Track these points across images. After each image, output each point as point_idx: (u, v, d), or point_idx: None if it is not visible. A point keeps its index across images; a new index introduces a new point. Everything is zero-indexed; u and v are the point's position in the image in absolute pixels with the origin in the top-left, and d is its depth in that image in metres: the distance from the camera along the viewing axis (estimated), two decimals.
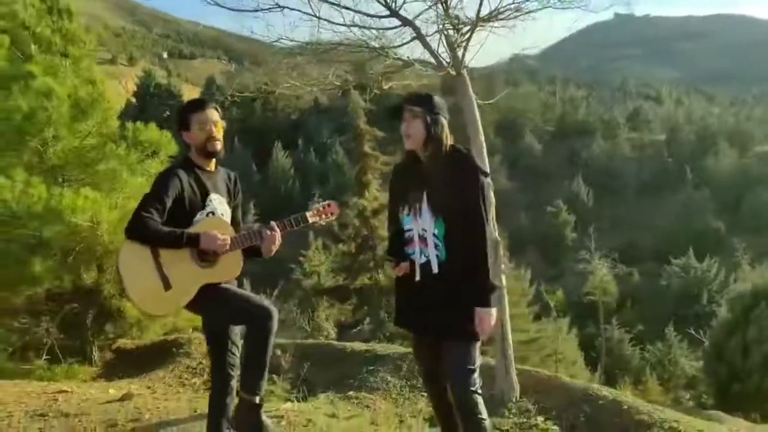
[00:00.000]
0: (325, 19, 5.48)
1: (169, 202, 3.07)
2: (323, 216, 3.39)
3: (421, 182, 3.00)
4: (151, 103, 65.50)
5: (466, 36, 5.65)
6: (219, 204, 3.28)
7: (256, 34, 5.54)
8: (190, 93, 73.00)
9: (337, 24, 5.61)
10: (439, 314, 2.93)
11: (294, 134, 66.30)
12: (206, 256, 3.13)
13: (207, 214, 3.21)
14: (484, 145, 5.76)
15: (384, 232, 14.21)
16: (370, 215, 15.56)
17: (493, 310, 2.92)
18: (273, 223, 3.26)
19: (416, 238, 3.02)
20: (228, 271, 3.19)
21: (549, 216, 54.39)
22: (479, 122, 5.74)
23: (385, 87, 6.37)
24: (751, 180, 60.78)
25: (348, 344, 7.61)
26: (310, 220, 3.35)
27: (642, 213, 59.45)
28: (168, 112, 66.10)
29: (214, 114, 3.28)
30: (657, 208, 59.03)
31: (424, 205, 2.96)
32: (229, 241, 3.11)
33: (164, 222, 3.06)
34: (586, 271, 31.11)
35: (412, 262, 3.05)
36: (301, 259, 25.24)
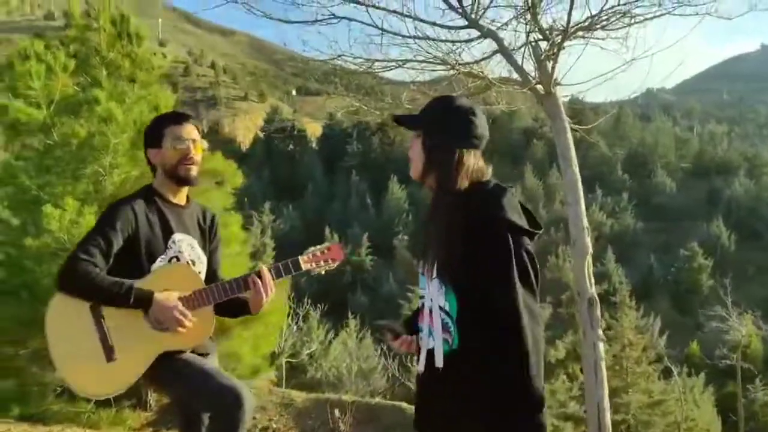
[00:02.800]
0: (390, 32, 4.72)
1: (117, 242, 2.41)
2: (321, 262, 2.62)
3: (432, 230, 2.03)
4: (277, 136, 68.39)
5: (557, 46, 4.65)
6: (187, 247, 2.59)
7: (311, 50, 4.91)
8: (312, 128, 75.62)
9: (404, 37, 4.82)
10: (449, 426, 1.96)
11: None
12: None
13: (170, 260, 2.52)
14: (579, 182, 4.70)
15: None
16: None
17: None
18: (263, 268, 2.53)
19: (426, 311, 2.02)
20: (193, 335, 2.44)
21: (683, 260, 49.83)
22: (573, 152, 4.70)
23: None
24: None
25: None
26: (304, 268, 2.59)
27: None
28: (292, 146, 68.83)
29: (193, 131, 2.63)
30: None
31: (435, 266, 1.98)
32: (186, 321, 2.36)
33: (111, 269, 2.39)
34: (724, 325, 27.87)
35: (408, 342, 2.17)
36: (410, 294, 24.51)
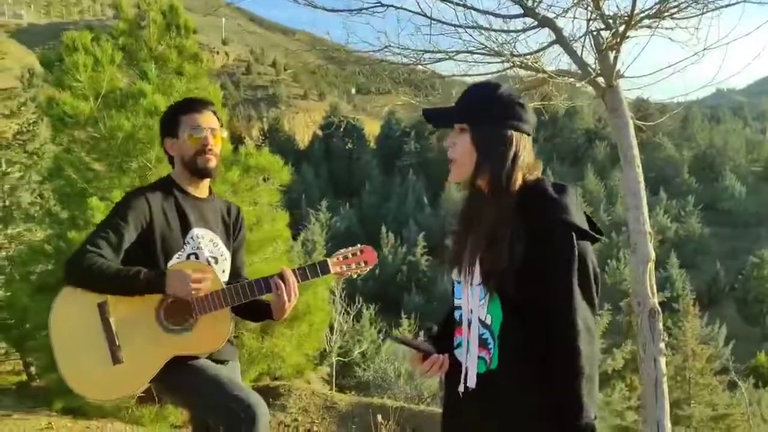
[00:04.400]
0: (438, 20, 4.44)
1: (129, 236, 2.24)
2: (352, 266, 2.41)
3: (475, 234, 1.75)
4: (335, 135, 68.90)
5: (620, 36, 4.28)
6: (208, 243, 2.40)
7: (358, 42, 4.69)
8: (370, 126, 75.82)
9: (453, 26, 4.54)
10: None
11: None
12: (177, 316, 2.24)
13: (188, 257, 2.34)
14: (641, 184, 4.31)
15: None
16: None
17: None
18: (286, 270, 2.31)
19: (465, 323, 1.75)
20: (208, 339, 2.27)
21: (751, 267, 47.39)
22: (635, 150, 4.32)
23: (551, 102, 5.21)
24: None
25: None
26: (333, 270, 2.38)
27: None
28: (350, 144, 69.20)
29: (212, 119, 2.43)
30: None
31: (476, 272, 1.70)
32: (206, 285, 2.19)
33: (124, 265, 2.22)
34: None
35: (457, 361, 1.80)
36: None
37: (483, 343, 1.70)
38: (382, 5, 4.48)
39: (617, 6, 4.36)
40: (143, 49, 6.47)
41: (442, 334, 1.90)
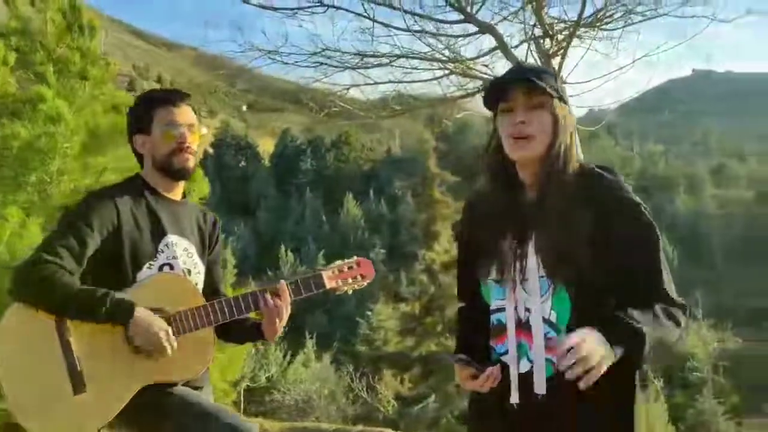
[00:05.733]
0: (381, 23, 4.28)
1: (93, 244, 1.90)
2: (348, 280, 2.17)
3: (524, 224, 1.64)
4: (227, 153, 67.29)
5: (564, 43, 4.30)
6: (183, 253, 2.08)
7: (290, 46, 4.43)
8: (265, 143, 74.68)
9: (396, 29, 4.39)
10: None
11: (365, 184, 66.24)
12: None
13: (161, 267, 2.02)
14: None
15: (454, 289, 12.53)
16: (440, 270, 13.77)
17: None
18: (282, 283, 2.06)
19: (512, 326, 1.63)
20: (187, 364, 1.95)
21: None
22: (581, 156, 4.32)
23: (458, 115, 5.11)
24: None
25: None
26: (328, 285, 2.12)
27: (733, 273, 55.54)
28: (243, 163, 67.77)
29: (189, 114, 2.12)
30: (749, 268, 55.13)
31: (531, 265, 1.60)
32: (170, 343, 1.85)
33: (84, 277, 1.89)
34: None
35: (504, 368, 1.63)
36: (369, 313, 23.82)
37: (548, 343, 1.58)
38: (323, 5, 4.26)
39: (564, 12, 4.38)
40: (39, 50, 5.81)
41: (476, 343, 1.74)
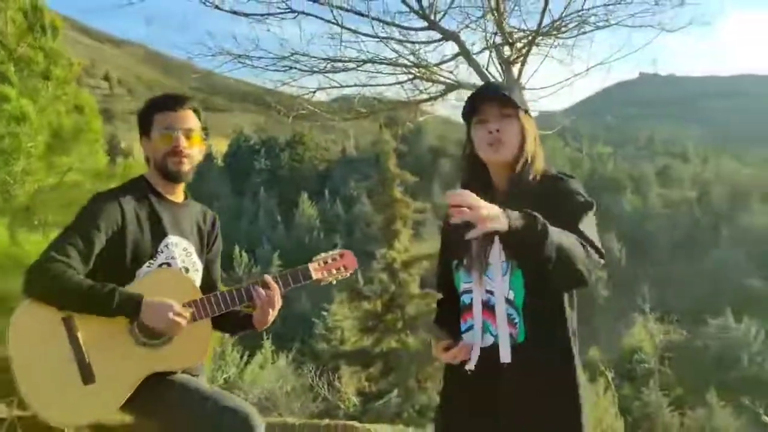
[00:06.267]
0: (349, 29, 4.44)
1: (99, 244, 2.05)
2: (333, 271, 2.32)
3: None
4: None
5: (524, 50, 4.55)
6: (181, 252, 2.22)
7: (259, 51, 4.54)
8: (217, 143, 73.71)
9: (363, 35, 4.56)
10: (518, 427, 1.83)
11: (321, 185, 66.11)
12: (152, 330, 2.04)
13: (160, 266, 2.16)
14: None
15: (415, 288, 12.76)
16: (400, 268, 13.97)
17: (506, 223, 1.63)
18: (267, 277, 2.20)
19: (479, 306, 1.90)
20: (187, 354, 2.12)
21: None
22: None
23: (420, 118, 5.32)
24: None
25: (373, 427, 6.26)
26: (315, 276, 2.28)
27: (676, 271, 57.69)
28: None
29: (188, 118, 2.24)
30: (692, 266, 57.39)
31: (495, 253, 1.86)
32: (185, 318, 2.00)
33: (90, 273, 2.03)
34: (621, 331, 29.74)
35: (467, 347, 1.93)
36: (324, 313, 23.89)
37: (511, 321, 1.86)
38: (293, 11, 4.40)
39: (524, 22, 4.63)
40: (0, 50, 5.75)
41: (449, 322, 2.02)
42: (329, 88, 5.57)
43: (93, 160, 6.11)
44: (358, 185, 63.35)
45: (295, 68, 4.72)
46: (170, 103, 2.23)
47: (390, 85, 5.16)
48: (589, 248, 1.73)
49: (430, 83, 5.00)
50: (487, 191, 1.90)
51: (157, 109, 2.22)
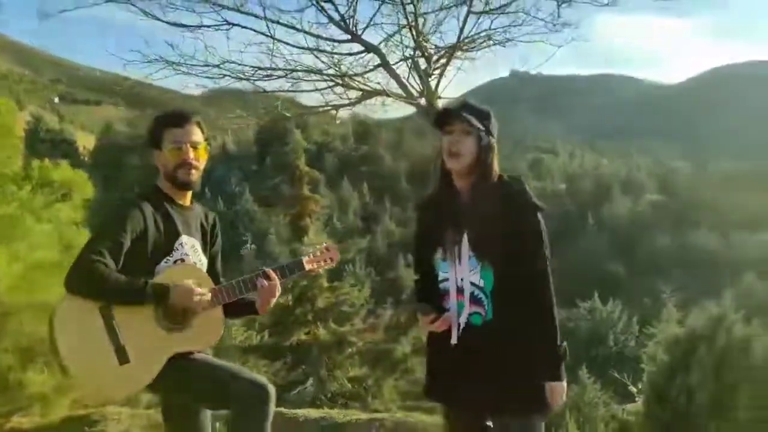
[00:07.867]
0: (281, 41, 4.72)
1: (126, 245, 2.36)
2: (321, 263, 2.77)
3: (460, 219, 2.40)
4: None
5: (440, 65, 5.04)
6: (191, 250, 2.56)
7: (177, 56, 4.70)
8: (84, 139, 69.54)
9: (294, 47, 4.86)
10: (488, 387, 2.31)
11: (201, 182, 63.98)
12: (175, 317, 2.41)
13: (175, 262, 2.50)
14: None
15: (324, 282, 13.12)
16: None
17: (564, 382, 2.34)
18: (269, 270, 2.58)
19: (453, 290, 2.40)
20: (205, 335, 2.49)
21: None
22: None
23: (338, 121, 5.67)
24: (644, 225, 64.56)
25: (300, 412, 6.52)
26: (307, 268, 2.71)
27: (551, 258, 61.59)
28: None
29: (193, 132, 2.55)
30: (563, 254, 61.32)
31: (464, 249, 2.36)
32: (208, 296, 2.41)
33: (119, 270, 2.35)
34: None
35: (448, 319, 2.44)
36: None
37: (477, 301, 2.34)
38: (228, 23, 4.60)
39: (441, 38, 5.10)
40: None
41: (431, 297, 2.50)
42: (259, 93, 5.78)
43: (9, 163, 5.92)
44: (240, 182, 62.24)
45: (228, 75, 4.93)
46: (177, 120, 2.52)
47: (312, 91, 5.48)
48: (551, 286, 2.30)
49: (351, 89, 5.39)
50: (451, 195, 2.43)
51: (166, 126, 2.51)
